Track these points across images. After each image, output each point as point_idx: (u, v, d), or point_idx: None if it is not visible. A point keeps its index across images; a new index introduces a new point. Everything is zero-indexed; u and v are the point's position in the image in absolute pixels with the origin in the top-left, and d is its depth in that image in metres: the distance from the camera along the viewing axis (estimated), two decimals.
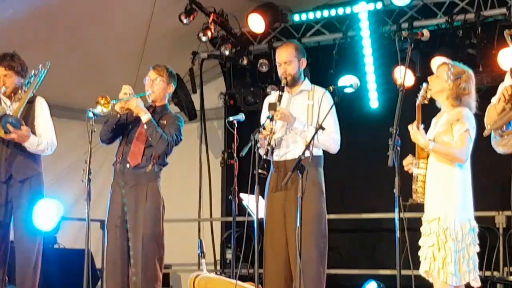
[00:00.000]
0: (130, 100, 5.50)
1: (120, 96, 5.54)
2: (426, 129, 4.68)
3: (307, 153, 5.00)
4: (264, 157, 5.17)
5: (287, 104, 5.44)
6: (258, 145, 5.25)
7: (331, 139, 5.36)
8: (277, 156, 5.38)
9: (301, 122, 5.31)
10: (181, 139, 5.66)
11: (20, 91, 5.83)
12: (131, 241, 5.50)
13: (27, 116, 5.81)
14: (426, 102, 4.67)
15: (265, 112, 5.46)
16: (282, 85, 5.40)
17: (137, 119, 5.59)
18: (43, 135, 5.83)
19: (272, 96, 5.62)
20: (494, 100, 4.65)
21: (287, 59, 5.42)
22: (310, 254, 5.16)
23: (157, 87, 5.66)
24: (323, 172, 5.41)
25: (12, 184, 5.75)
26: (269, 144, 5.21)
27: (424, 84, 4.70)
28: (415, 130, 4.58)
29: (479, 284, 4.59)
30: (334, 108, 5.30)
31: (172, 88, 5.75)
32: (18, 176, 5.76)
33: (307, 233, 5.05)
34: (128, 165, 5.56)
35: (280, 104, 5.33)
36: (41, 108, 5.92)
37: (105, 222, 5.70)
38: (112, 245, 5.56)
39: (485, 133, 4.56)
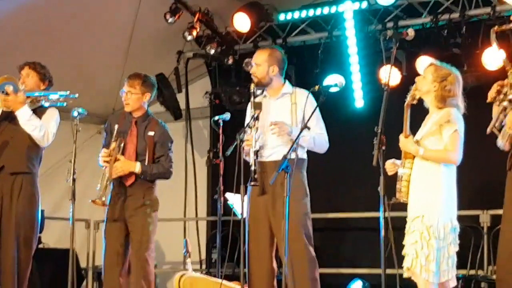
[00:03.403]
0: (114, 169, 5.49)
1: (106, 169, 5.53)
2: (415, 131, 4.68)
3: (293, 155, 5.02)
4: (252, 168, 5.20)
5: (268, 107, 5.45)
6: (243, 145, 5.26)
7: (323, 140, 5.47)
8: (261, 157, 5.38)
9: (297, 129, 5.29)
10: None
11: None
12: (130, 245, 5.58)
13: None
14: (414, 102, 4.68)
15: (249, 112, 5.46)
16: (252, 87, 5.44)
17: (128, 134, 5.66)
18: (42, 122, 5.69)
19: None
20: None
21: (257, 61, 5.52)
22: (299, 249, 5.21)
23: (130, 99, 5.70)
24: (306, 175, 5.43)
25: (3, 177, 5.64)
26: (255, 153, 5.25)
27: (414, 84, 4.71)
28: (403, 139, 4.62)
29: (455, 283, 4.62)
30: (318, 109, 5.32)
31: (148, 96, 5.75)
32: (9, 168, 5.64)
33: (293, 233, 5.07)
34: (123, 182, 5.60)
35: (261, 108, 5.32)
36: (52, 114, 5.79)
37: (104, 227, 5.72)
38: (110, 250, 5.59)
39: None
